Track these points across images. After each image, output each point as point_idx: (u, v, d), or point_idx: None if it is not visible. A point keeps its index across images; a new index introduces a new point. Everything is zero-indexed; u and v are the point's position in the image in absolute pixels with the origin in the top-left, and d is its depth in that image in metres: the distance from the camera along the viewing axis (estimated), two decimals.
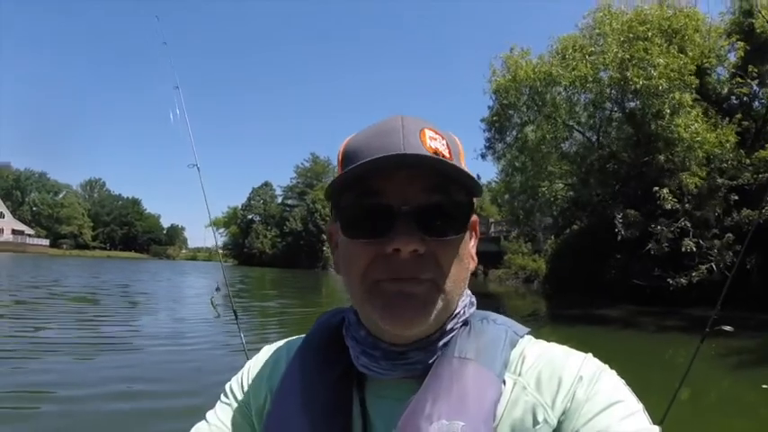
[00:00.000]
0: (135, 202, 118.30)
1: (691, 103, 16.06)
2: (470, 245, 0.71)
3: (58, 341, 8.72)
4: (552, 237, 28.31)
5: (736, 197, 16.22)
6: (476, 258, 0.74)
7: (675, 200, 15.70)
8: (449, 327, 0.69)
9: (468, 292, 0.75)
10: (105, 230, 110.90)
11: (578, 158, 19.81)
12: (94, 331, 10.21)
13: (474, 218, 0.72)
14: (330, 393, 0.71)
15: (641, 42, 16.05)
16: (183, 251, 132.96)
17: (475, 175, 0.64)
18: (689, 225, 15.85)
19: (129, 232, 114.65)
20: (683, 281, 15.37)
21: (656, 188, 15.86)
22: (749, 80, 16.80)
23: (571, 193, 20.42)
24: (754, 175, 16.20)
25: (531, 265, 32.40)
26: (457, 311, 0.71)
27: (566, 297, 21.43)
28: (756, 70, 16.75)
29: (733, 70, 18.29)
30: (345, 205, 0.67)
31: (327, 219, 0.78)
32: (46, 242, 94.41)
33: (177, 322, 11.91)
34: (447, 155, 0.65)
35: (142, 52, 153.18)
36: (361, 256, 0.65)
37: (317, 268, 69.03)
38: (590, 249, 20.06)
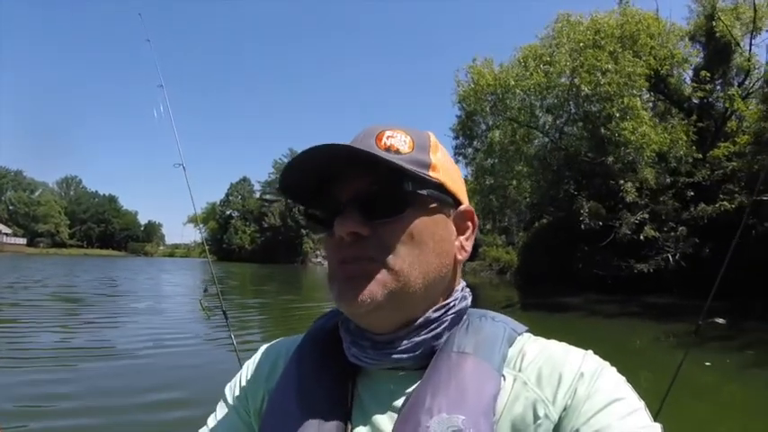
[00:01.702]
0: (112, 200, 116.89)
1: (640, 106, 16.83)
2: (445, 232, 0.70)
3: (43, 348, 8.29)
4: (523, 230, 29.16)
5: (692, 193, 17.19)
6: (468, 249, 0.74)
7: (636, 193, 16.59)
8: (434, 315, 0.69)
9: (466, 288, 0.76)
10: (82, 228, 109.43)
11: (543, 158, 20.60)
12: (82, 336, 9.75)
13: (465, 207, 0.74)
14: (328, 390, 0.70)
15: (590, 50, 16.73)
16: (161, 248, 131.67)
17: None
18: (647, 218, 16.89)
19: (107, 230, 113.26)
20: (643, 268, 16.54)
21: (622, 181, 16.70)
22: (703, 84, 17.75)
23: (537, 190, 21.30)
24: (709, 173, 17.22)
25: (505, 257, 33.17)
26: (446, 301, 0.71)
27: (536, 287, 22.02)
28: (709, 75, 17.77)
29: (690, 73, 19.35)
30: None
31: None
32: (23, 241, 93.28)
33: (166, 323, 11.66)
34: (406, 149, 0.68)
35: (122, 47, 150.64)
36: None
37: (297, 263, 68.51)
38: (557, 242, 20.81)
